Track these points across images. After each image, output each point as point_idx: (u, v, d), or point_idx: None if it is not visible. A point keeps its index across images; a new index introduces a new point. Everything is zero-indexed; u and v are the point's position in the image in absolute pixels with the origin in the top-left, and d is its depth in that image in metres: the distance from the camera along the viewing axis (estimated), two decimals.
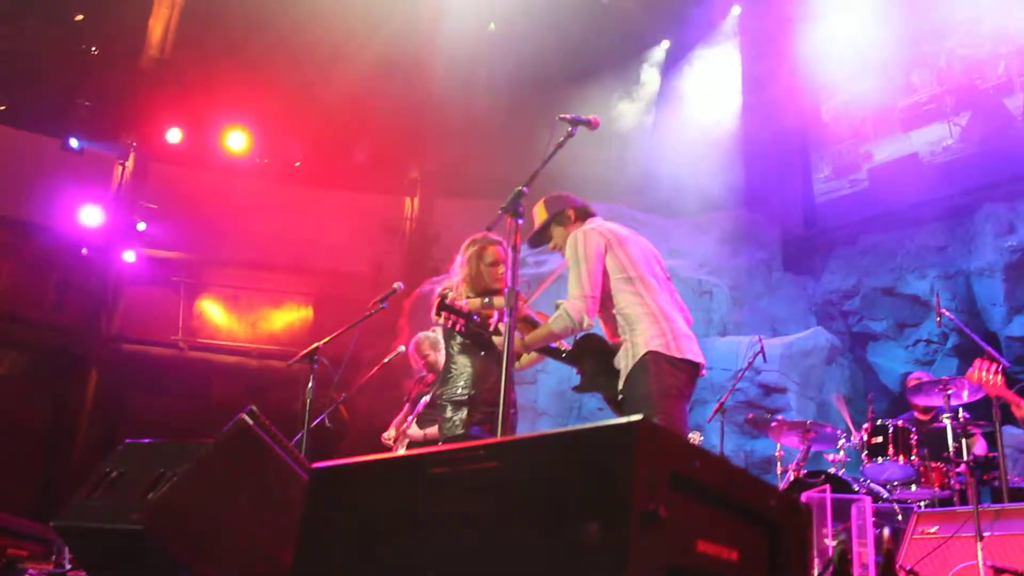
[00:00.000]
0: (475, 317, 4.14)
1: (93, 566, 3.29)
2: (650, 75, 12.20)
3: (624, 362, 3.89)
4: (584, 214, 4.30)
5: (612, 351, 4.02)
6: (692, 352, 3.88)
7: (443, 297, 4.24)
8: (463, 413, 4.59)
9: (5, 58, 11.69)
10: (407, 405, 6.89)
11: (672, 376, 3.77)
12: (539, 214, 4.38)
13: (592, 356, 4.14)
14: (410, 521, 1.66)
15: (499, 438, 2.07)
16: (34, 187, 12.19)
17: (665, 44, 12.19)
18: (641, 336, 3.84)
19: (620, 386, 3.88)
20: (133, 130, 12.72)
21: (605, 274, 3.97)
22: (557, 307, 3.95)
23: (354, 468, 1.85)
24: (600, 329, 4.18)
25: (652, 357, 3.77)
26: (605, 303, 3.99)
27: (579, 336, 4.20)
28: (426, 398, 6.14)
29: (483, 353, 4.71)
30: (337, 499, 1.88)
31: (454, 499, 1.61)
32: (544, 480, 1.48)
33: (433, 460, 1.68)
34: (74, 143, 12.04)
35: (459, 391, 4.63)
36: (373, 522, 1.76)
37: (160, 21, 12.81)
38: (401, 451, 6.65)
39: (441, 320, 4.28)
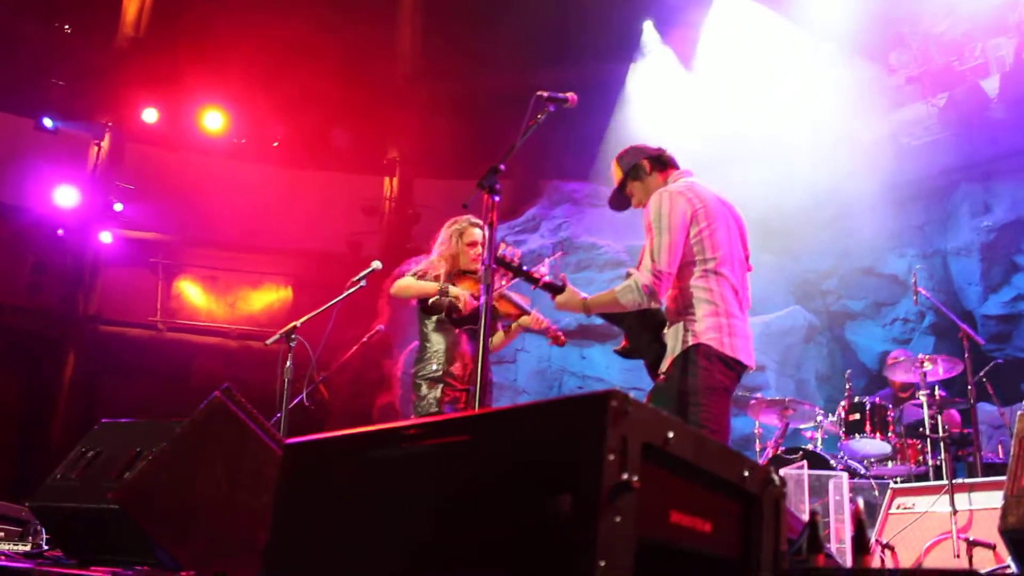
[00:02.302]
0: (539, 274, 3.91)
1: (69, 546, 3.28)
2: (629, 58, 12.16)
3: (671, 343, 3.70)
4: (660, 163, 3.98)
5: (663, 321, 3.83)
6: (745, 353, 3.69)
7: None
8: (437, 391, 4.66)
9: None
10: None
11: (722, 373, 3.60)
12: (615, 174, 4.06)
13: (643, 322, 3.91)
14: (382, 495, 1.66)
15: (471, 411, 2.07)
16: (8, 167, 12.05)
17: (649, 24, 12.14)
18: (697, 325, 3.62)
19: (664, 367, 3.70)
20: (108, 110, 12.56)
21: (684, 244, 3.68)
22: (628, 275, 3.71)
23: (327, 443, 1.85)
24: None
25: (703, 350, 3.59)
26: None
27: None
28: None
29: (457, 331, 4.78)
30: (310, 475, 1.87)
31: (426, 473, 1.60)
32: (516, 453, 1.48)
33: (405, 435, 1.68)
34: (48, 123, 11.88)
35: (433, 368, 4.71)
36: (346, 497, 1.75)
37: None
38: None
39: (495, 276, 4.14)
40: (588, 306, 3.84)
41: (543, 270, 3.93)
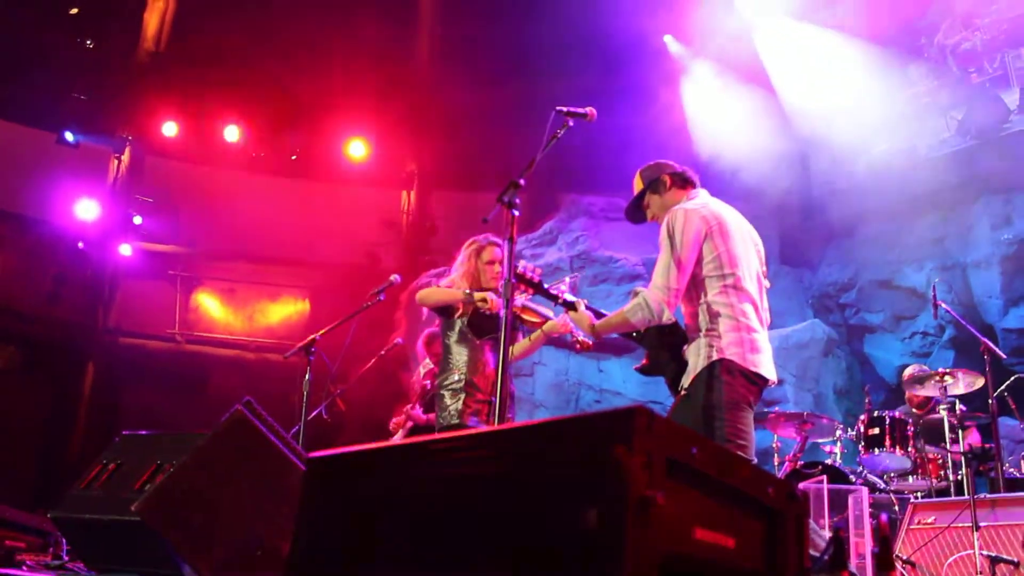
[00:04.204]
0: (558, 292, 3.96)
1: (90, 557, 3.29)
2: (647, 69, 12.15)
3: (693, 360, 3.69)
4: (681, 180, 3.99)
5: (683, 338, 3.84)
6: (767, 368, 3.69)
7: (515, 267, 3.92)
8: (459, 402, 4.68)
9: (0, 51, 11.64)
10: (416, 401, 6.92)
11: (744, 388, 3.61)
12: (636, 185, 4.08)
13: (662, 339, 3.91)
14: (407, 509, 1.66)
15: (496, 426, 2.07)
16: (29, 181, 12.15)
17: (669, 39, 12.12)
18: (719, 340, 3.62)
19: (686, 383, 3.69)
20: (129, 124, 12.66)
21: (698, 262, 3.69)
22: (635, 294, 3.72)
23: (350, 457, 1.85)
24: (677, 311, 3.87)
25: (726, 365, 3.59)
26: (691, 290, 3.73)
27: None
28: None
29: (479, 342, 4.80)
30: (334, 488, 1.88)
31: (450, 488, 1.61)
32: (542, 468, 1.48)
33: (429, 449, 1.68)
34: (70, 137, 11.99)
35: (455, 379, 4.74)
36: (370, 511, 1.76)
37: (156, 14, 12.76)
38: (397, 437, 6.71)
39: (516, 293, 4.08)
40: (596, 331, 3.88)
41: (563, 288, 3.95)
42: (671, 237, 3.70)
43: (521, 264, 3.94)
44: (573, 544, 1.37)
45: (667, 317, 3.65)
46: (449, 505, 1.58)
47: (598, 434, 1.42)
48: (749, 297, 3.74)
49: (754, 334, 3.69)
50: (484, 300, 4.69)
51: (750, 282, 3.78)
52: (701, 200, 3.91)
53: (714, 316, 3.67)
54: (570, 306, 3.96)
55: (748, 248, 3.87)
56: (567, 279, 4.13)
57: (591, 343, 4.73)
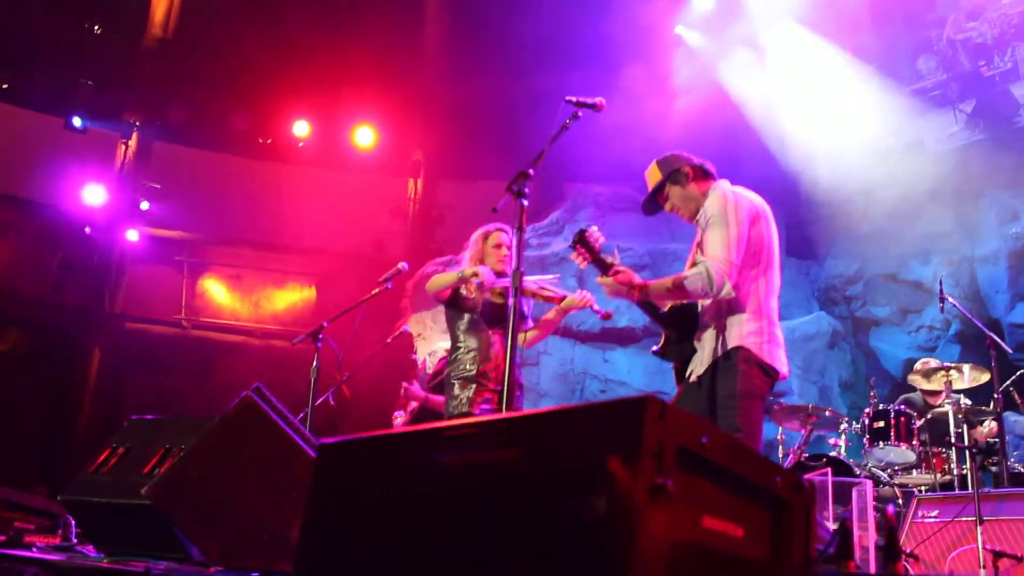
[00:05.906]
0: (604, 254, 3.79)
1: (100, 539, 3.32)
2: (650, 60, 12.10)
3: (710, 344, 3.64)
4: (702, 172, 3.89)
5: (696, 323, 3.77)
6: (780, 362, 3.65)
7: (583, 231, 3.79)
8: (470, 391, 4.70)
9: (7, 37, 11.63)
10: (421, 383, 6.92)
11: (760, 379, 3.57)
12: (652, 176, 3.95)
13: (686, 324, 3.81)
14: (417, 497, 1.67)
15: (506, 414, 2.07)
16: (37, 166, 12.18)
17: (681, 29, 12.07)
18: (739, 328, 3.57)
19: (699, 370, 3.65)
20: (136, 109, 12.68)
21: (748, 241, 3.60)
22: (696, 264, 3.62)
23: (361, 444, 1.86)
24: None
25: (743, 354, 3.54)
26: None
27: None
28: None
29: (489, 331, 4.81)
30: (344, 475, 1.89)
31: (461, 475, 1.62)
32: (552, 456, 1.49)
33: (440, 436, 1.69)
34: (77, 122, 12.01)
35: (466, 368, 4.75)
36: (380, 498, 1.77)
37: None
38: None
39: (573, 254, 3.85)
40: (650, 289, 3.68)
41: (613, 259, 3.80)
42: (724, 213, 3.60)
43: (593, 229, 3.78)
44: (582, 532, 1.38)
45: (727, 291, 3.52)
46: (457, 492, 1.59)
47: (609, 422, 1.42)
48: (774, 288, 3.71)
49: (773, 327, 3.65)
50: (476, 274, 4.70)
51: (776, 274, 3.74)
52: (728, 185, 3.85)
53: (737, 303, 3.61)
54: (617, 273, 3.75)
55: (775, 240, 3.81)
56: (616, 250, 3.95)
57: (611, 312, 4.65)
